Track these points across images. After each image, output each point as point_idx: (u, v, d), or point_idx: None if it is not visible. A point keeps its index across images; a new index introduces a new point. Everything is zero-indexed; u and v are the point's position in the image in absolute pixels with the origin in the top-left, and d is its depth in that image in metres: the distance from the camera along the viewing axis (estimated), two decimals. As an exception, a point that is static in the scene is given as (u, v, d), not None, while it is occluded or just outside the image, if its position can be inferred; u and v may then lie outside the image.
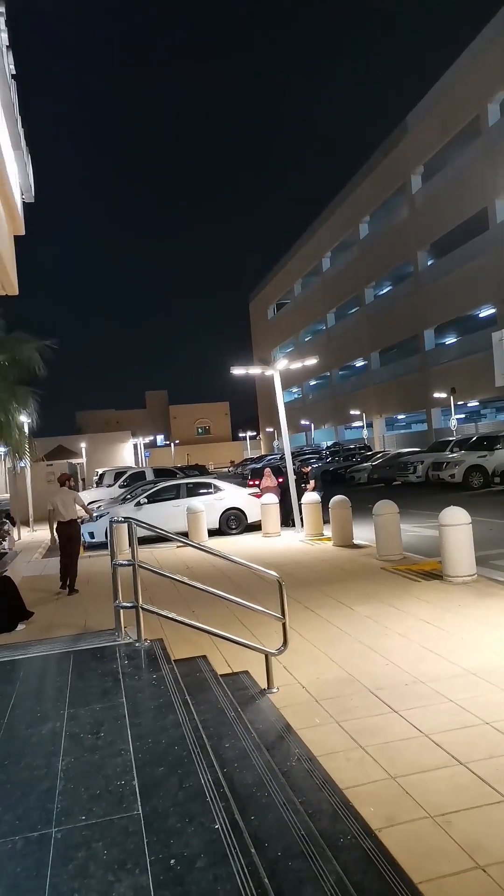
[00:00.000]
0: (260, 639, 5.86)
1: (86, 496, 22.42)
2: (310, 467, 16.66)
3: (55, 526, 9.62)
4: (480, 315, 36.65)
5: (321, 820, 3.00)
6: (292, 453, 15.55)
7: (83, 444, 35.07)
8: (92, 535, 14.66)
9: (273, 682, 4.87)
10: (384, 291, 48.17)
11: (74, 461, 31.56)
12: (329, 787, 3.36)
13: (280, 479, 16.71)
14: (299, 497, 14.12)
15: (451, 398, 34.15)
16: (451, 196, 36.49)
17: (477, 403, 40.82)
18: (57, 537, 9.68)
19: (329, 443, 50.53)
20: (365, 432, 47.71)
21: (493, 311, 34.67)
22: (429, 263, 40.93)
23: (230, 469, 54.77)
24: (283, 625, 5.04)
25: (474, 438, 23.78)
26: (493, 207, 33.27)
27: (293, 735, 4.05)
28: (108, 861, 2.37)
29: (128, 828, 2.58)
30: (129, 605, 5.10)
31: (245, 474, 36.22)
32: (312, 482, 15.47)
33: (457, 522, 7.97)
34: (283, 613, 5.00)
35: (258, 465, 39.09)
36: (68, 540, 9.65)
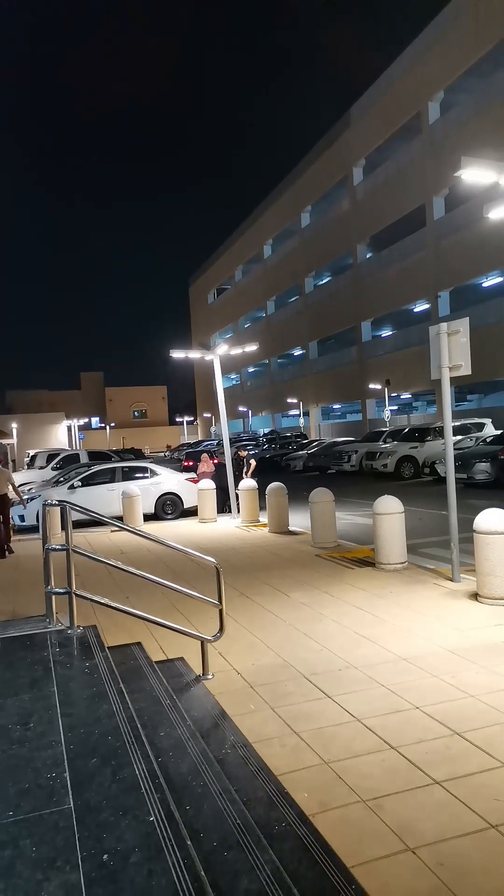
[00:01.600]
0: (196, 625, 5.81)
1: (17, 478, 21.65)
2: (246, 451, 16.66)
3: None
4: (416, 310, 37.58)
5: (256, 808, 2.99)
6: (229, 440, 15.50)
7: (14, 425, 33.94)
8: (22, 518, 14.18)
9: (208, 668, 4.84)
10: (324, 282, 48.63)
11: (4, 441, 30.50)
12: (264, 774, 3.36)
13: (215, 461, 16.62)
14: (236, 482, 14.12)
15: (386, 390, 34.92)
16: (391, 191, 37.09)
17: (410, 396, 41.98)
18: None
19: (266, 430, 50.81)
20: (301, 421, 48.23)
21: (427, 306, 35.60)
22: (367, 256, 41.56)
23: (166, 454, 54.24)
24: (220, 611, 5.01)
25: (406, 430, 24.41)
26: (430, 204, 34.05)
27: (228, 722, 4.03)
28: (37, 859, 2.27)
29: (58, 823, 2.48)
30: (61, 590, 4.93)
31: (180, 458, 36.00)
32: (253, 462, 15.45)
33: (390, 511, 8.14)
34: (219, 600, 4.96)
35: (195, 451, 38.98)
36: None
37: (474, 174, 7.82)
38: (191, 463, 31.81)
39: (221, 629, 5.00)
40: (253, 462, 15.43)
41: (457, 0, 31.02)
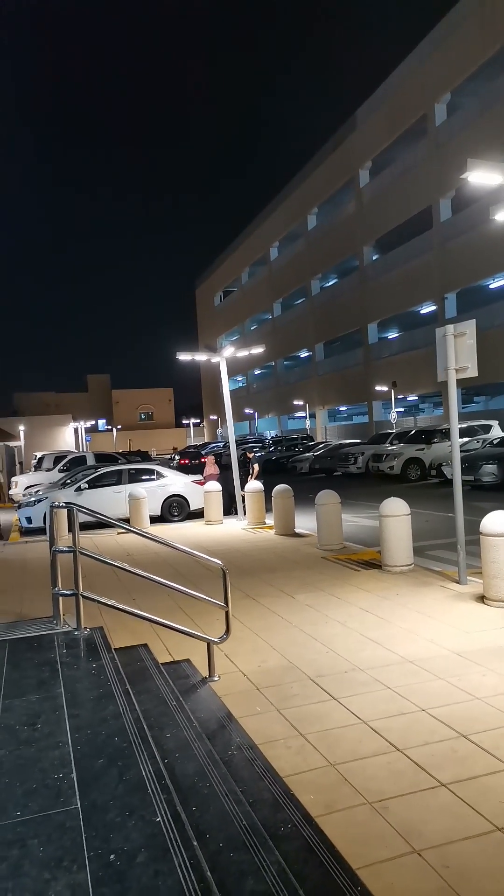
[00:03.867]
0: (202, 627, 5.83)
1: (24, 480, 21.88)
2: (252, 453, 16.68)
3: None
4: (422, 311, 37.51)
5: (262, 809, 2.99)
6: (236, 442, 15.52)
7: (21, 427, 34.09)
8: (29, 520, 14.26)
9: (215, 670, 4.84)
10: (330, 284, 48.61)
11: (12, 444, 30.65)
12: (270, 776, 3.36)
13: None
14: (242, 485, 14.12)
15: (392, 392, 34.88)
16: (398, 193, 37.06)
17: (416, 398, 41.88)
18: None
19: (273, 432, 50.81)
20: (308, 423, 48.21)
21: (433, 308, 35.53)
22: (374, 259, 41.53)
23: (173, 456, 54.35)
24: (226, 613, 5.02)
25: (413, 432, 24.36)
26: (437, 206, 33.99)
27: (234, 723, 4.04)
28: (44, 858, 2.29)
29: (65, 823, 2.50)
30: (68, 592, 4.97)
31: (174, 457, 36.56)
32: (256, 466, 15.46)
33: (396, 513, 8.13)
34: (226, 601, 4.97)
35: (188, 451, 39.91)
36: None
37: (480, 176, 7.83)
38: (186, 462, 32.39)
39: (227, 631, 5.01)
40: (256, 466, 15.44)
41: (462, 2, 31.01)
